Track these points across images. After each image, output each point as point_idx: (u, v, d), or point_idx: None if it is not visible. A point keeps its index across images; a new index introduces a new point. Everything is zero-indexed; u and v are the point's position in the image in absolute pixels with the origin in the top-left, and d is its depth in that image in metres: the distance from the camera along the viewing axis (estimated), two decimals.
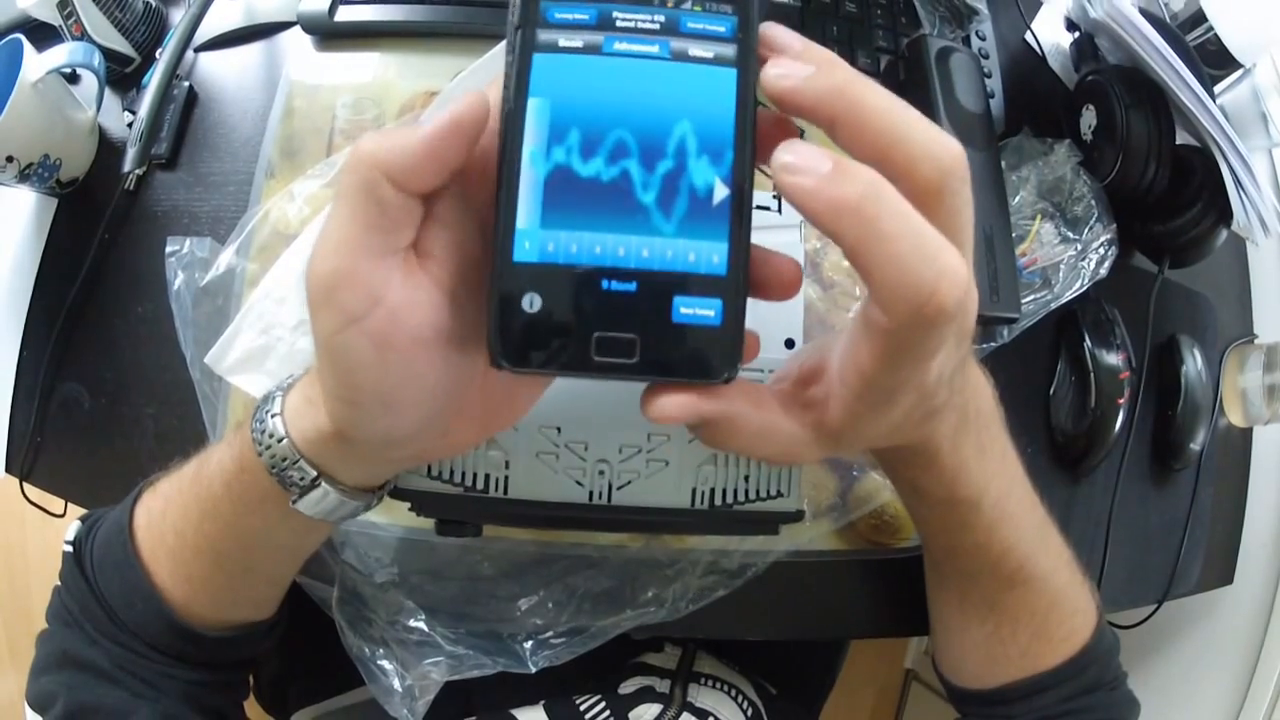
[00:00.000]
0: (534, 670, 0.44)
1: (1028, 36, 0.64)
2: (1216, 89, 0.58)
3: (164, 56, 0.55)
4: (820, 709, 0.77)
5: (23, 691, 0.37)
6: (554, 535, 0.47)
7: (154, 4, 0.60)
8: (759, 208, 0.37)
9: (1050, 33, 0.64)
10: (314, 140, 0.54)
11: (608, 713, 0.47)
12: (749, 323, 0.23)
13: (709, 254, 0.22)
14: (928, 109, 0.52)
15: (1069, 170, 0.56)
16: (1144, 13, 0.53)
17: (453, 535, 0.39)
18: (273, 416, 0.30)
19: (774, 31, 0.24)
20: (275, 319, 0.47)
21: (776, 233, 0.38)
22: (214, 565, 0.35)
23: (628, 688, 0.51)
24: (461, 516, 0.39)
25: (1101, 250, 0.55)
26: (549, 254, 0.22)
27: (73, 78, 0.59)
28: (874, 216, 0.20)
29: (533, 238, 0.22)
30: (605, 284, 0.22)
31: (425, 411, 0.26)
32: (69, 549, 0.38)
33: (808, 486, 0.49)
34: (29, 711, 0.37)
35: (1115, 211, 0.56)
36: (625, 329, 0.22)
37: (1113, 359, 0.56)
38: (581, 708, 0.47)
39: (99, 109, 0.57)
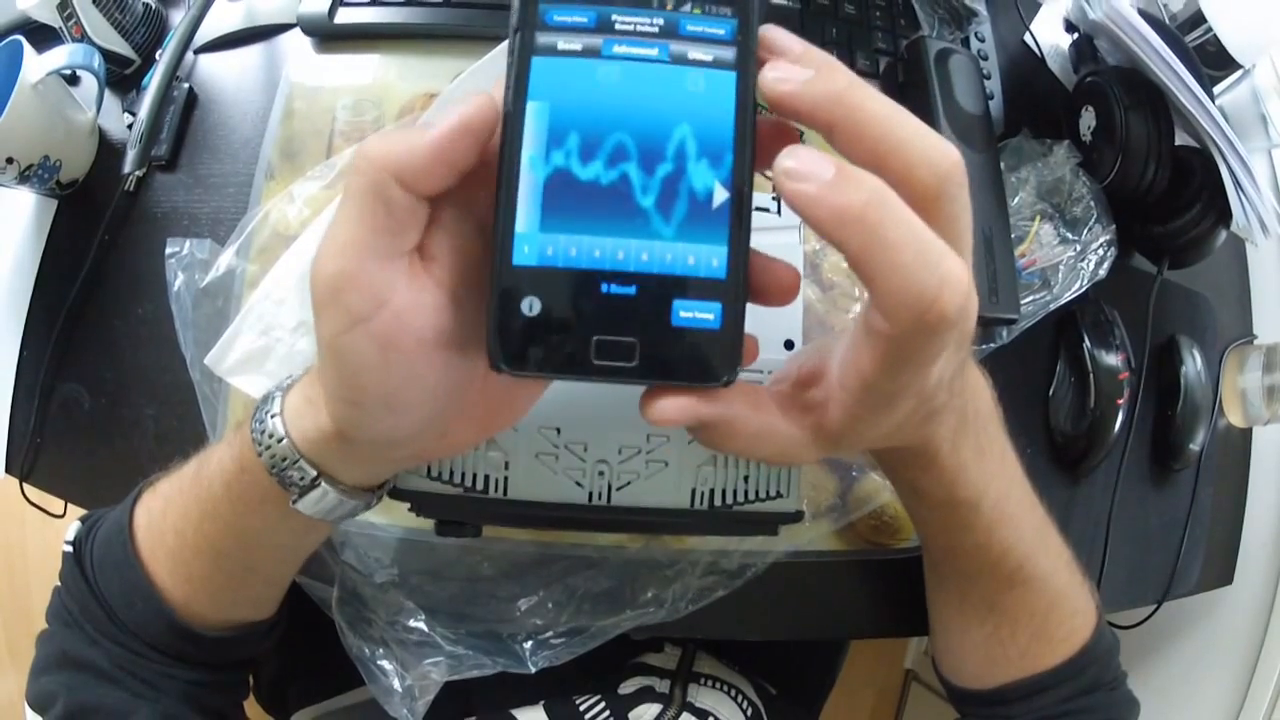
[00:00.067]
0: (534, 670, 0.44)
1: (1027, 38, 0.64)
2: (1216, 90, 0.58)
3: (164, 58, 0.55)
4: (820, 709, 0.77)
5: (23, 691, 0.37)
6: (554, 536, 0.47)
7: (154, 6, 0.60)
8: (757, 209, 0.37)
9: (1049, 34, 0.64)
10: (314, 142, 0.54)
11: (608, 713, 0.47)
12: (749, 324, 0.23)
13: (709, 257, 0.22)
14: (927, 110, 0.52)
15: (1068, 171, 0.56)
16: (1143, 14, 0.53)
17: (452, 536, 0.39)
18: (272, 417, 0.30)
19: (773, 34, 0.24)
20: (275, 320, 0.48)
21: (775, 234, 0.38)
22: (214, 565, 0.36)
23: (627, 688, 0.51)
24: (461, 517, 0.39)
25: (1101, 251, 0.55)
26: (548, 257, 0.22)
27: (73, 79, 0.59)
28: (877, 224, 0.20)
29: (532, 241, 0.22)
30: (605, 287, 0.22)
31: (426, 412, 0.26)
32: (69, 549, 0.38)
33: (807, 487, 0.49)
34: (29, 711, 0.37)
35: (1114, 212, 0.56)
36: (625, 332, 0.22)
37: (1112, 360, 0.56)
38: (581, 708, 0.47)
39: (99, 110, 0.57)
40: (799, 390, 0.27)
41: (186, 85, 0.56)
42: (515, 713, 0.46)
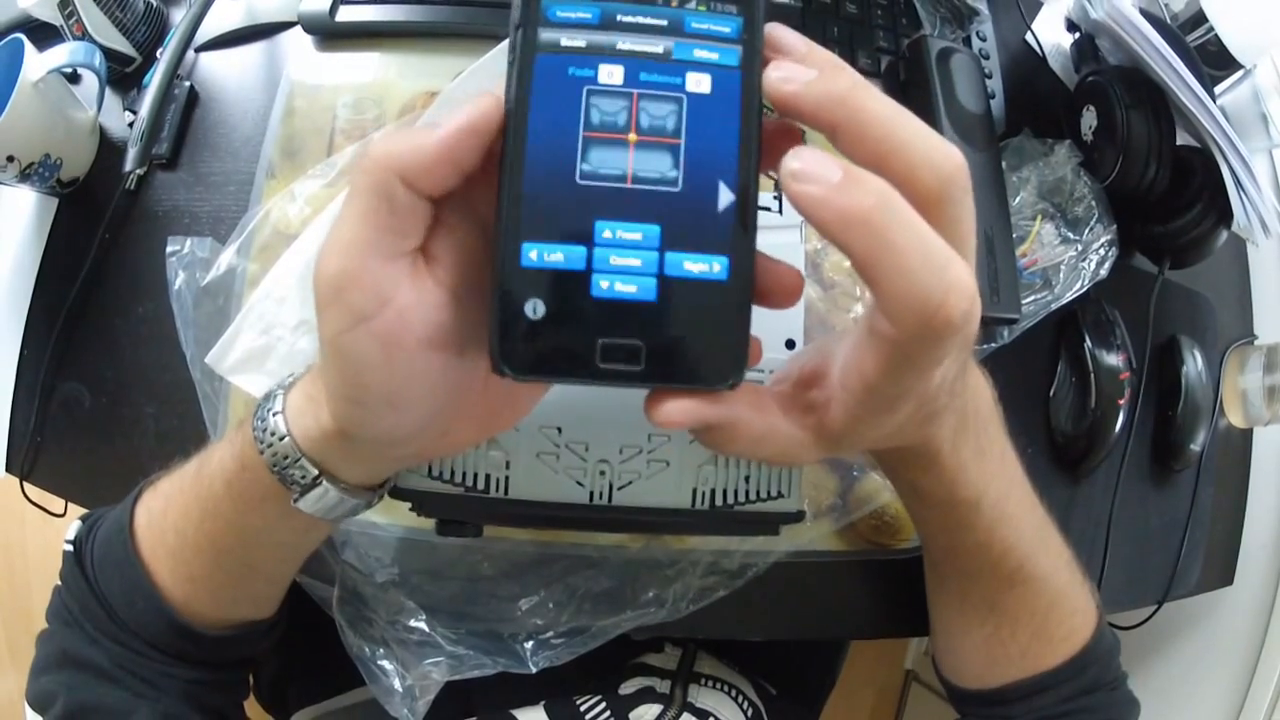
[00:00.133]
0: (534, 670, 0.44)
1: (1028, 37, 0.64)
2: (1217, 90, 0.58)
3: (165, 56, 0.55)
4: (820, 709, 0.77)
5: (23, 691, 0.37)
6: (554, 535, 0.47)
7: (155, 4, 0.60)
8: (759, 208, 0.37)
9: (1051, 33, 0.64)
10: (315, 140, 0.54)
11: (608, 713, 0.47)
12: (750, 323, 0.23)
13: (714, 260, 0.22)
14: (928, 110, 0.52)
15: (1069, 171, 0.56)
16: (1144, 13, 0.53)
17: (453, 535, 0.39)
18: (274, 415, 0.30)
19: (778, 33, 0.24)
20: (276, 319, 0.47)
21: (777, 233, 0.38)
22: (214, 564, 0.35)
23: (628, 688, 0.51)
24: (462, 516, 0.39)
25: (1102, 251, 0.55)
26: (550, 259, 0.22)
27: (74, 77, 0.59)
28: (884, 227, 0.20)
29: (534, 242, 0.22)
30: (609, 289, 0.22)
31: (427, 411, 0.26)
32: (69, 548, 0.38)
33: (808, 487, 0.49)
34: (29, 711, 0.37)
35: (1116, 212, 0.56)
36: (630, 335, 0.22)
37: (1113, 360, 0.56)
38: (582, 708, 0.47)
39: (100, 109, 0.57)
40: (800, 390, 0.27)
41: (187, 83, 0.56)
42: (516, 713, 0.46)
